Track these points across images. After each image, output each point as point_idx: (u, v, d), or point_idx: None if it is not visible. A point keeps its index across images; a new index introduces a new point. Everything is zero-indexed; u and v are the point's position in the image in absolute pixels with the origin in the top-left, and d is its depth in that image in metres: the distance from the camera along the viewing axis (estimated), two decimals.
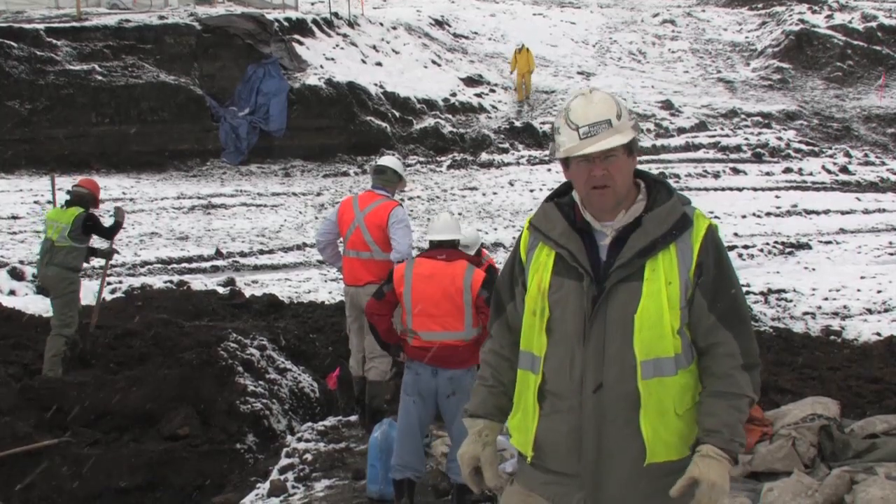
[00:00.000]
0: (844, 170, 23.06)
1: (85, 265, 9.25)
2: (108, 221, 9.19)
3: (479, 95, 26.62)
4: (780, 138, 25.14)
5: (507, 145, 24.32)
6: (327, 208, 17.77)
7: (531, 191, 20.07)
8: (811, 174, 22.61)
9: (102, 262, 9.63)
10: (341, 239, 7.36)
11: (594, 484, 2.69)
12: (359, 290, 7.14)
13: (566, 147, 2.68)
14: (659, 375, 2.63)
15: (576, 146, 2.65)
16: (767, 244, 16.12)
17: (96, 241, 9.27)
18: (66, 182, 18.01)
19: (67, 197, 9.00)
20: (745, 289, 12.76)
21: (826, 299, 12.72)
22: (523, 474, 2.88)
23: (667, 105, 26.86)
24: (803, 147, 24.78)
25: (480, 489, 2.96)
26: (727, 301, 2.69)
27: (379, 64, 26.19)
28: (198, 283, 12.81)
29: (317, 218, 17.37)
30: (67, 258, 8.52)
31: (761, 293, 13.10)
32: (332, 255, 7.58)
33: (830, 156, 24.30)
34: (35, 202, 17.23)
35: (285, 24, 25.49)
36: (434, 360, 5.29)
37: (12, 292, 11.80)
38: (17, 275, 12.28)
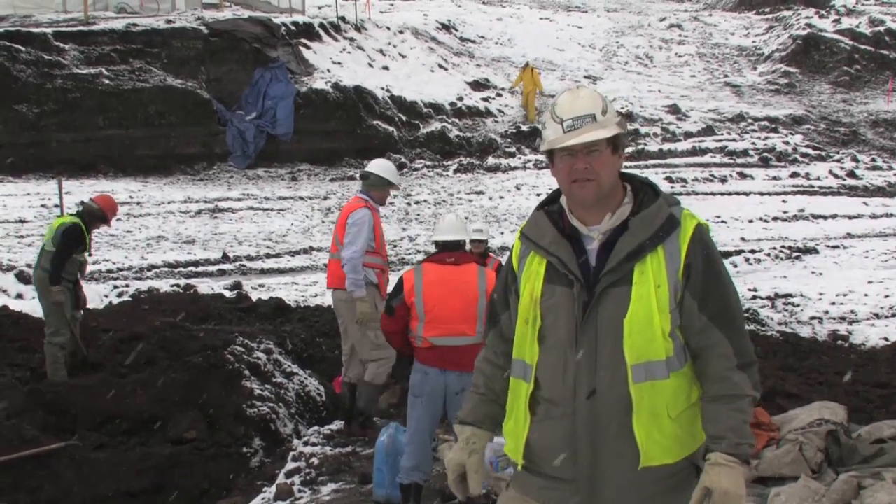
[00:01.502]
0: (852, 174, 22.98)
1: (84, 271, 9.20)
2: (96, 249, 8.91)
3: (485, 99, 26.64)
4: (787, 143, 25.08)
5: (513, 149, 24.33)
6: (334, 212, 17.80)
7: (538, 195, 20.02)
8: (818, 179, 22.53)
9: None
10: None
11: (590, 489, 2.69)
12: (337, 292, 7.30)
13: (549, 139, 2.70)
14: (651, 379, 2.62)
15: (558, 138, 2.66)
16: (774, 249, 16.08)
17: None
18: (73, 186, 18.12)
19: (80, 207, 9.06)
20: (752, 293, 12.82)
21: (833, 304, 12.65)
22: (519, 479, 2.88)
23: (674, 109, 26.83)
24: (810, 151, 24.71)
25: (465, 496, 2.96)
26: (718, 301, 2.67)
27: (386, 68, 26.23)
28: (204, 286, 12.83)
29: (323, 222, 17.40)
30: (49, 263, 8.53)
31: (768, 298, 13.05)
32: None
33: (838, 160, 24.23)
34: (42, 206, 17.28)
35: (292, 28, 25.56)
36: (443, 363, 5.23)
37: (19, 296, 11.85)
38: (24, 278, 12.31)
